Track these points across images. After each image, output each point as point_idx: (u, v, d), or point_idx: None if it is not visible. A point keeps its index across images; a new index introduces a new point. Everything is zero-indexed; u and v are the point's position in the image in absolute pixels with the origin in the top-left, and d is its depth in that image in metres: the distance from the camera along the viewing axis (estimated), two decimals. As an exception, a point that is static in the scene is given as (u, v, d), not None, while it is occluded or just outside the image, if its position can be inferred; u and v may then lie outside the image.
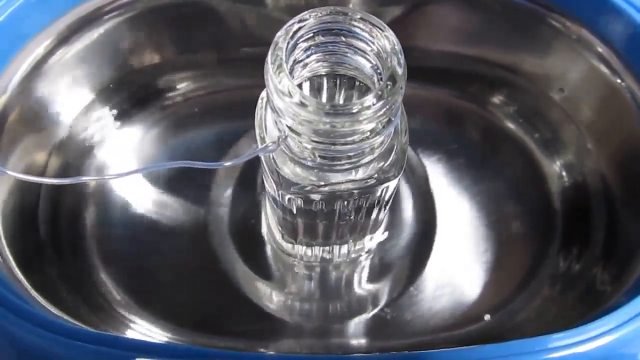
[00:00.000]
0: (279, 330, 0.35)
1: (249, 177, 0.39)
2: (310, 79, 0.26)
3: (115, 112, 0.40)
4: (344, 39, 0.24)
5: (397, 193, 0.38)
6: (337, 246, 0.34)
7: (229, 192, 0.39)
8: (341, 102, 0.28)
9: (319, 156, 0.24)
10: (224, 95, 0.42)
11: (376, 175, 0.26)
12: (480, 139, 0.42)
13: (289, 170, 0.26)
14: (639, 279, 0.29)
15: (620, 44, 0.34)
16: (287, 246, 0.35)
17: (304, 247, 0.34)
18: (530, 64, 0.39)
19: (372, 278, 0.37)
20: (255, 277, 0.36)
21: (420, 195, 0.39)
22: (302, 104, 0.21)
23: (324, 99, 0.28)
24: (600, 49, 0.35)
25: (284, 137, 0.24)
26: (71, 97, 0.37)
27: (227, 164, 0.25)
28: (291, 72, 0.24)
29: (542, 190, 0.39)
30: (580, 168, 0.38)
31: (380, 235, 0.37)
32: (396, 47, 0.23)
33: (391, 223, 0.38)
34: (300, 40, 0.24)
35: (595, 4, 0.34)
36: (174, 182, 0.39)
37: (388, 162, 0.26)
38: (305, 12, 0.23)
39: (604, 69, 0.35)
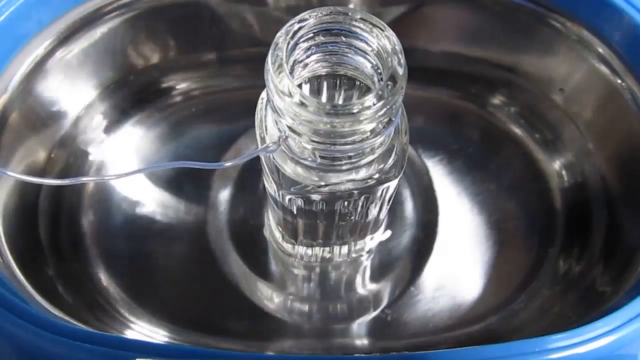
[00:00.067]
0: (278, 331, 0.35)
1: (249, 178, 0.39)
2: (310, 79, 0.26)
3: (115, 112, 0.40)
4: (344, 39, 0.24)
5: (397, 193, 0.38)
6: (338, 246, 0.34)
7: (229, 192, 0.39)
8: (341, 102, 0.28)
9: (320, 156, 0.24)
10: (224, 95, 0.42)
11: (376, 176, 0.26)
12: (481, 139, 0.42)
13: (289, 170, 0.26)
14: (639, 280, 0.29)
15: (620, 45, 0.34)
16: (288, 246, 0.35)
17: (304, 248, 0.34)
18: (531, 64, 0.39)
19: (372, 278, 0.37)
20: (256, 277, 0.36)
21: (420, 196, 0.39)
22: (302, 104, 0.21)
23: (324, 99, 0.28)
24: (600, 50, 0.35)
25: (284, 137, 0.24)
26: (71, 97, 0.37)
27: (227, 164, 0.25)
28: (291, 72, 0.24)
29: (542, 191, 0.39)
30: (580, 168, 0.38)
31: (380, 235, 0.37)
32: (397, 47, 0.23)
33: (391, 223, 0.38)
34: (301, 40, 0.23)
35: (595, 4, 0.34)
36: (174, 182, 0.39)
37: (388, 163, 0.26)
38: (306, 12, 0.23)
39: (604, 69, 0.35)
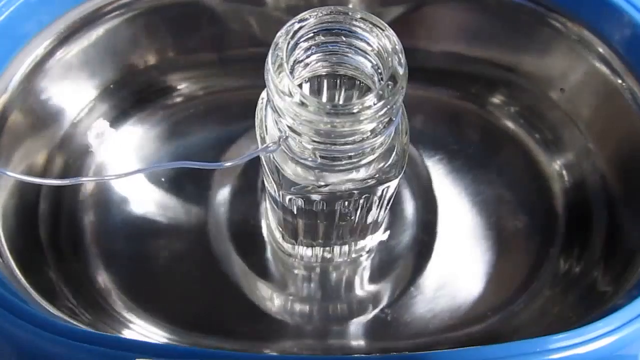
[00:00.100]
0: (278, 331, 0.35)
1: (249, 178, 0.39)
2: (310, 79, 0.26)
3: (115, 112, 0.40)
4: (344, 38, 0.24)
5: (397, 193, 0.38)
6: (338, 246, 0.34)
7: (229, 192, 0.39)
8: (342, 102, 0.28)
9: (320, 156, 0.24)
10: (224, 95, 0.42)
11: (377, 176, 0.26)
12: (481, 139, 0.42)
13: (289, 170, 0.25)
14: (639, 280, 0.29)
15: (620, 44, 0.34)
16: (288, 246, 0.35)
17: (305, 248, 0.34)
18: (531, 64, 0.39)
19: (372, 278, 0.37)
20: (256, 277, 0.36)
21: (420, 196, 0.39)
22: (302, 104, 0.21)
23: (324, 99, 0.28)
24: (600, 49, 0.35)
25: (284, 137, 0.24)
26: (71, 97, 0.37)
27: (227, 164, 0.25)
28: (292, 72, 0.24)
29: (542, 191, 0.39)
30: (580, 168, 0.38)
31: (380, 235, 0.37)
32: (397, 46, 0.23)
33: (392, 223, 0.38)
34: (301, 40, 0.23)
35: (596, 4, 0.34)
36: (174, 182, 0.39)
37: (389, 162, 0.26)
38: (306, 11, 0.23)
39: (604, 69, 0.35)
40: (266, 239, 0.37)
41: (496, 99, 0.42)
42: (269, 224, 0.37)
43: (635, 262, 0.31)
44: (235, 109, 0.42)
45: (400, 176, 0.26)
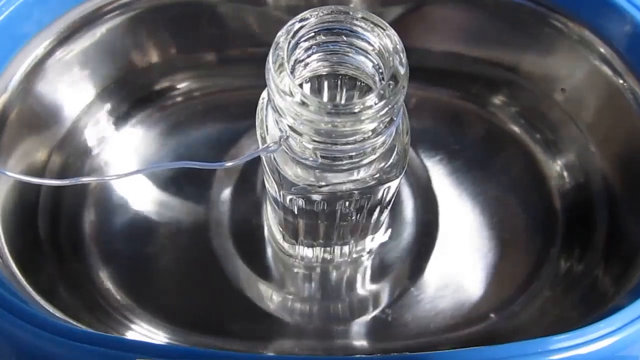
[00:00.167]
0: (279, 331, 0.35)
1: (249, 178, 0.39)
2: (311, 78, 0.26)
3: (115, 112, 0.40)
4: (345, 38, 0.24)
5: (398, 193, 0.38)
6: (338, 247, 0.34)
7: (229, 192, 0.39)
8: (342, 102, 0.28)
9: (321, 156, 0.24)
10: (224, 95, 0.42)
11: (377, 176, 0.26)
12: (482, 139, 0.42)
13: (290, 170, 0.25)
14: (641, 280, 0.29)
15: (622, 45, 0.34)
16: (288, 247, 0.35)
17: (305, 248, 0.34)
18: (532, 64, 0.39)
19: (373, 279, 0.37)
20: (256, 277, 0.36)
21: (421, 196, 0.39)
22: (303, 104, 0.21)
23: (325, 98, 0.28)
24: (602, 50, 0.35)
25: (285, 137, 0.24)
26: (71, 97, 0.37)
27: (228, 164, 0.25)
28: (292, 71, 0.24)
29: (543, 191, 0.39)
30: (581, 168, 0.38)
31: (381, 235, 0.37)
32: (398, 46, 0.23)
33: (392, 223, 0.38)
34: (302, 39, 0.23)
35: (597, 4, 0.34)
36: (174, 182, 0.39)
37: (389, 163, 0.26)
38: (306, 11, 0.23)
39: (605, 69, 0.35)
40: (267, 239, 0.37)
41: (497, 99, 0.42)
42: (270, 224, 0.36)
43: (636, 262, 0.31)
44: (236, 109, 0.41)
45: (401, 176, 0.26)
